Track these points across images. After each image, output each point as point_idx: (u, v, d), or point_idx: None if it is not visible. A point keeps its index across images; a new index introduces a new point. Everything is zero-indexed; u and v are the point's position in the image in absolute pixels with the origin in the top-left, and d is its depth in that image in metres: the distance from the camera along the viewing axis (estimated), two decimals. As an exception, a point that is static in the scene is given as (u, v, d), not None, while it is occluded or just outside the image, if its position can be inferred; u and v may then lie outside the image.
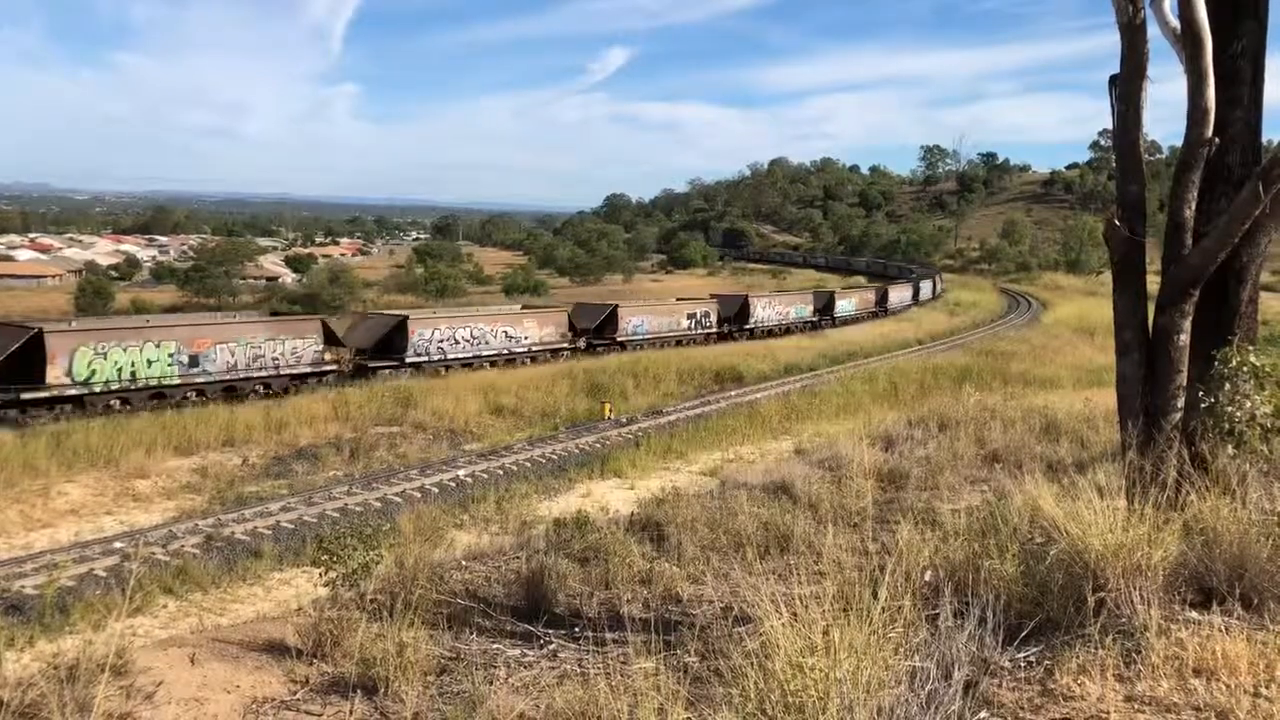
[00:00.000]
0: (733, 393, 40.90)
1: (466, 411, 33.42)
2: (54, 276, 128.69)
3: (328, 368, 38.95)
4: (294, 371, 37.37)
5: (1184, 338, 6.45)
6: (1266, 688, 4.05)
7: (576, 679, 4.87)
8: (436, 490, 23.88)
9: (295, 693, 5.80)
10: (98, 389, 31.13)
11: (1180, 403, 6.44)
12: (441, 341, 43.52)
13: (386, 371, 39.84)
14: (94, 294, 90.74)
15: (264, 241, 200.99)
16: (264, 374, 36.29)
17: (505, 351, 46.29)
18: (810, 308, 71.84)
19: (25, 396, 29.77)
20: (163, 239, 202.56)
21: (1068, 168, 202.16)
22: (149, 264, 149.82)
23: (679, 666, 4.79)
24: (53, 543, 19.35)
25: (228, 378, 34.98)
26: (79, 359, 30.75)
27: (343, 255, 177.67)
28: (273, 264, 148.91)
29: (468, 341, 44.71)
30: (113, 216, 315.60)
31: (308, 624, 6.59)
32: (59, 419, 29.18)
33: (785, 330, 66.60)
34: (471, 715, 4.77)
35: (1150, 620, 4.47)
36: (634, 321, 54.90)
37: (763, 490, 13.40)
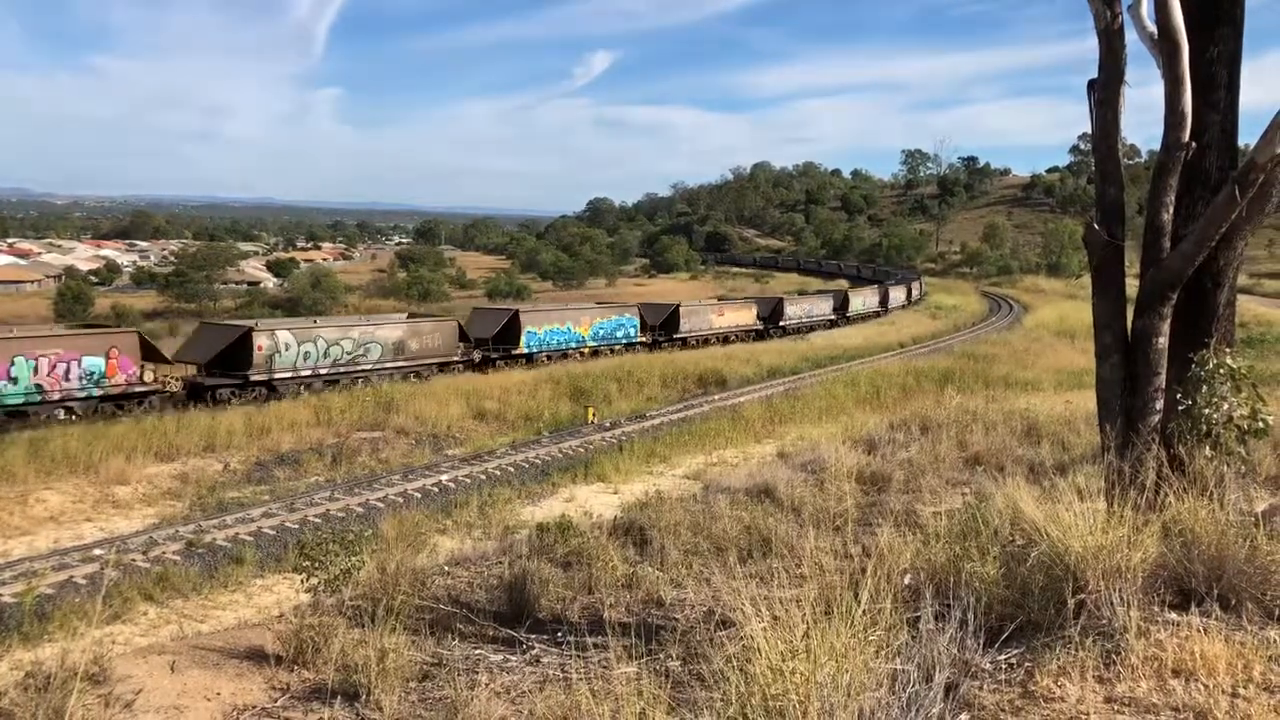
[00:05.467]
0: (716, 396, 40.98)
1: (449, 416, 33.32)
2: (33, 282, 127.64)
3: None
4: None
5: (1162, 341, 6.47)
6: (1244, 688, 4.08)
7: (559, 684, 4.85)
8: (419, 495, 23.80)
9: (276, 700, 5.75)
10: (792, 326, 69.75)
11: (1159, 405, 6.46)
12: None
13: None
14: (73, 299, 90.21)
15: (245, 246, 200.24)
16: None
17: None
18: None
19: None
20: (143, 244, 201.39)
21: (1048, 171, 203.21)
22: (129, 269, 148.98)
23: (661, 671, 4.79)
24: (31, 550, 19.18)
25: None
26: (790, 310, 70.96)
27: (325, 260, 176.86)
28: (254, 269, 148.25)
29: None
30: (92, 221, 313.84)
31: (289, 630, 6.53)
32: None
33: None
34: (453, 721, 4.74)
35: (1129, 622, 4.49)
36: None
37: (745, 493, 13.37)
